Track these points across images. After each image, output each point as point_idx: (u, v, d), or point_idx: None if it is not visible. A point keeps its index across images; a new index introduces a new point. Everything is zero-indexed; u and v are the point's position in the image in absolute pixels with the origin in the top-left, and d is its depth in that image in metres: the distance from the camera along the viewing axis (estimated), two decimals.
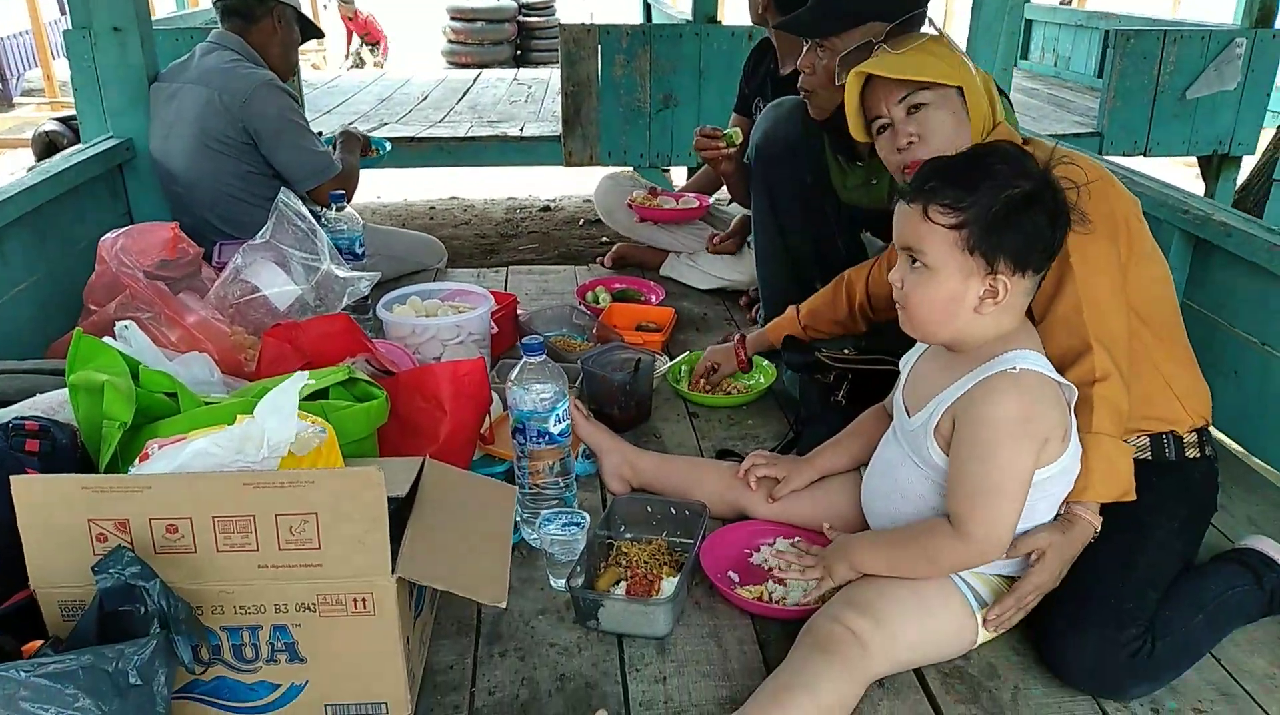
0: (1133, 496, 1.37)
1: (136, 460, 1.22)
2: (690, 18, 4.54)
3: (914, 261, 1.32)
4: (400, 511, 1.32)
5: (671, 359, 2.28)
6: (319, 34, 2.69)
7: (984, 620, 1.35)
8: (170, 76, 2.58)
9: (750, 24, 3.27)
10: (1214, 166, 4.87)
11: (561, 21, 4.28)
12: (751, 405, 2.15)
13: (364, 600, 1.18)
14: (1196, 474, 1.52)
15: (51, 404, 1.46)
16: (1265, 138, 5.03)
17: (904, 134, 1.52)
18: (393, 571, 1.18)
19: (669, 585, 1.46)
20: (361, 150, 2.78)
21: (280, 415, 1.24)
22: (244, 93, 2.42)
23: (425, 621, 1.39)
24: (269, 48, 2.55)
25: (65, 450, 1.35)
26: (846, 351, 1.92)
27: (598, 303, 2.64)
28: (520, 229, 5.61)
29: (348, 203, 2.45)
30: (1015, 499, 1.27)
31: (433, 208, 6.14)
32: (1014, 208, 1.25)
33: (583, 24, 4.27)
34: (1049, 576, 1.34)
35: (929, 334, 1.36)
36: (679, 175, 5.58)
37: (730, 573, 1.57)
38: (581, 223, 5.65)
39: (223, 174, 2.47)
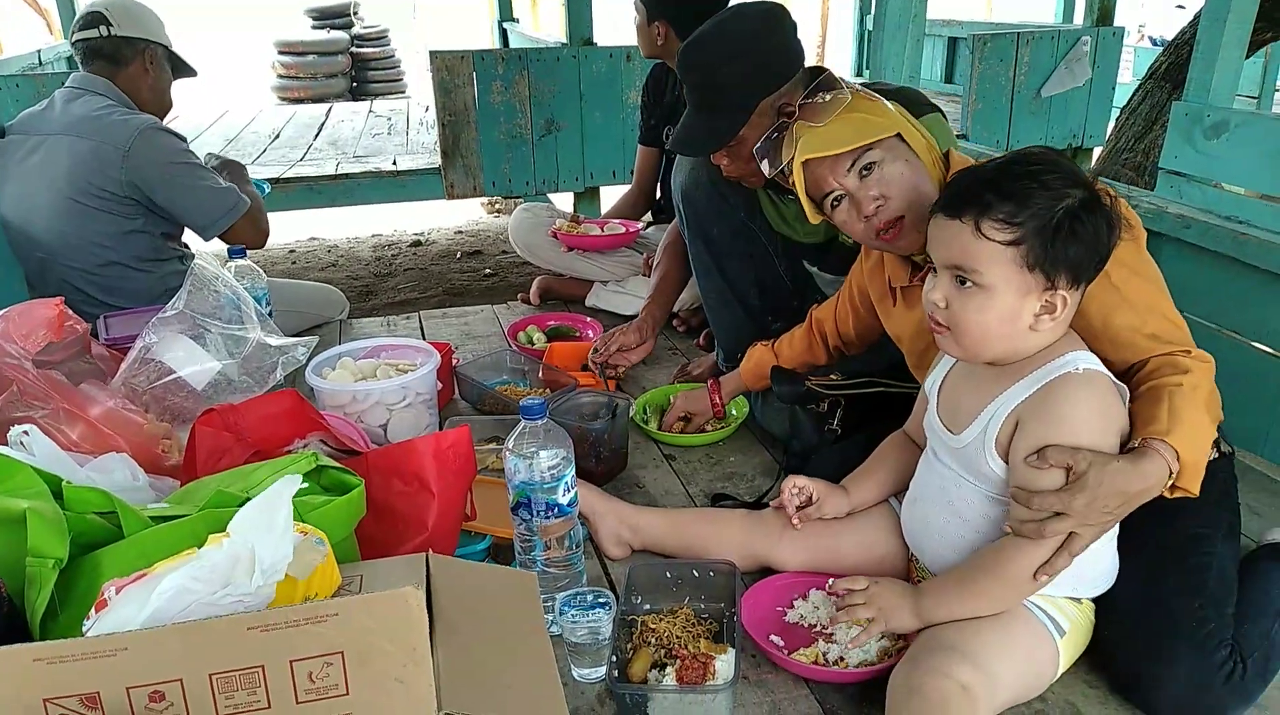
0: (1196, 490, 1.27)
1: (92, 611, 0.96)
2: (564, 40, 4.39)
3: (963, 281, 1.21)
4: None
5: (632, 399, 2.11)
6: (192, 73, 2.38)
7: (1034, 574, 1.21)
8: (24, 128, 2.22)
9: (628, 45, 3.14)
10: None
11: (431, 49, 4.04)
12: (729, 442, 2.01)
13: None
14: (1222, 474, 1.48)
15: None
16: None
17: (869, 200, 1.42)
18: (438, 710, 0.97)
19: (724, 665, 1.30)
20: None
21: (273, 531, 1.00)
22: (125, 141, 2.10)
23: None
24: (140, 91, 2.23)
25: None
26: (834, 376, 1.81)
27: (533, 343, 2.44)
28: (394, 267, 5.29)
29: (261, 245, 2.17)
30: None
31: (292, 251, 5.72)
32: (1074, 219, 1.17)
33: (455, 50, 4.05)
34: (1100, 504, 1.17)
35: (977, 354, 1.27)
36: (563, 202, 5.43)
37: (772, 637, 1.42)
38: (459, 256, 5.39)
39: (99, 235, 2.13)
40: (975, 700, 1.16)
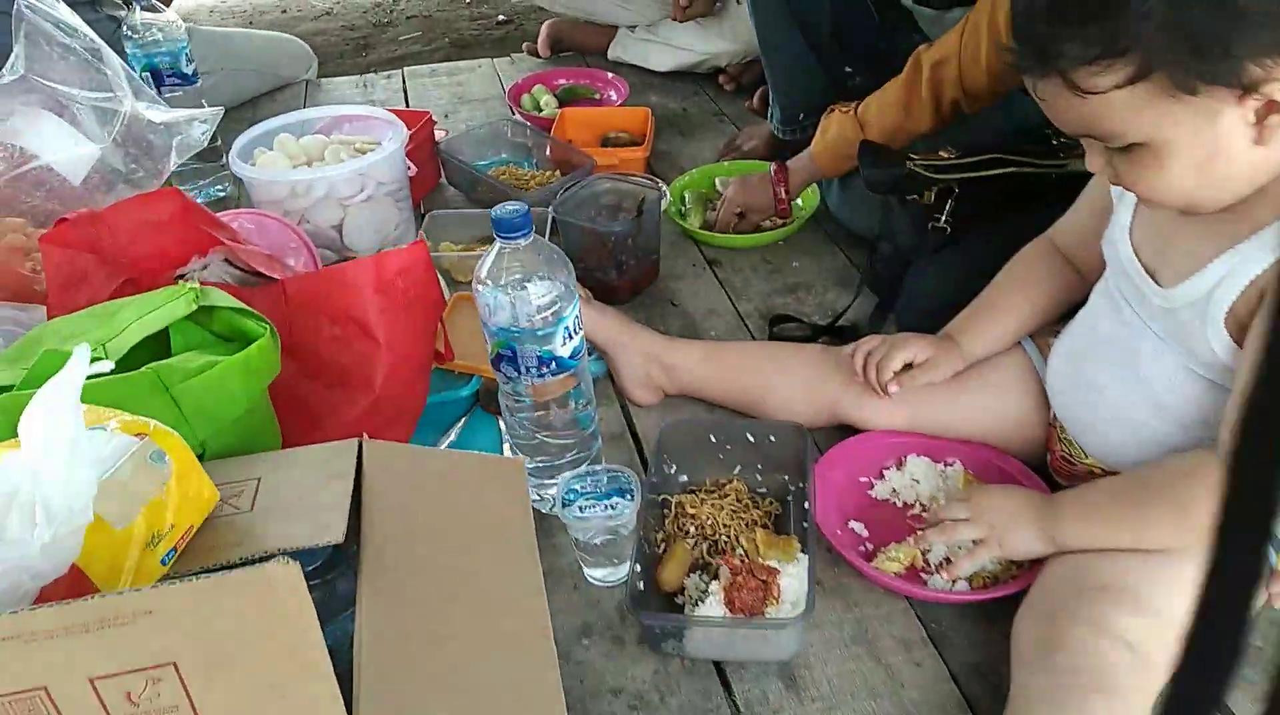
0: None
1: None
2: None
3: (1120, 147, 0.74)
4: (333, 561, 0.74)
5: (665, 184, 1.63)
6: None
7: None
8: None
9: None
10: None
11: None
12: (791, 242, 1.55)
13: None
14: None
15: None
16: None
17: None
18: None
19: (791, 581, 0.92)
20: None
21: (56, 447, 0.61)
22: None
23: None
24: None
25: None
26: (945, 153, 1.31)
27: (540, 110, 1.94)
28: (394, 15, 4.63)
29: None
30: None
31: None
32: None
33: None
34: None
35: (1197, 208, 0.80)
36: None
37: (852, 524, 1.04)
38: (469, 1, 4.69)
39: None
40: (1149, 667, 0.78)
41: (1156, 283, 0.86)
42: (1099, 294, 0.97)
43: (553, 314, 0.91)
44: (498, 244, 0.89)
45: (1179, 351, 0.86)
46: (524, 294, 0.90)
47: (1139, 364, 0.89)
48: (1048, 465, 1.05)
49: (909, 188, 1.30)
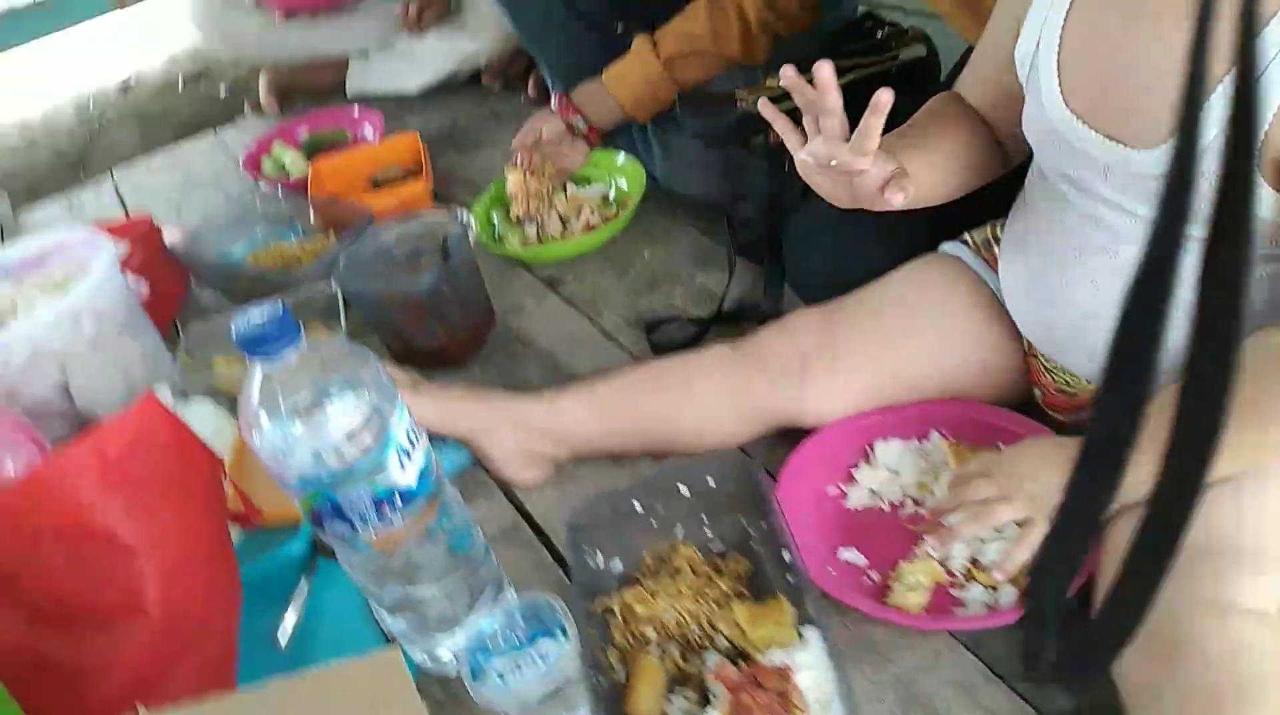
0: None
1: None
2: None
3: None
4: None
5: (465, 211, 1.35)
6: None
7: None
8: None
9: None
10: None
11: None
12: (632, 232, 1.29)
13: None
14: None
15: None
16: None
17: None
18: None
19: (811, 673, 0.66)
20: None
21: None
22: None
23: None
24: None
25: None
26: (772, 83, 1.09)
27: (287, 172, 1.61)
28: (105, 123, 4.10)
29: None
30: None
31: None
32: None
33: None
34: None
35: None
36: None
37: (842, 553, 0.81)
38: (182, 84, 4.21)
39: None
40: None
41: (1121, 144, 0.65)
42: (1034, 190, 0.76)
43: (372, 436, 0.62)
44: (256, 369, 0.60)
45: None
46: (320, 423, 0.61)
47: (1117, 249, 0.69)
48: (1041, 405, 0.85)
49: (747, 131, 1.07)
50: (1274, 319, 0.63)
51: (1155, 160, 0.63)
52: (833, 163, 0.68)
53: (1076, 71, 0.68)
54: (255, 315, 0.58)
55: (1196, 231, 0.23)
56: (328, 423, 0.61)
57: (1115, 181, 0.67)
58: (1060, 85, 0.69)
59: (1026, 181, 0.79)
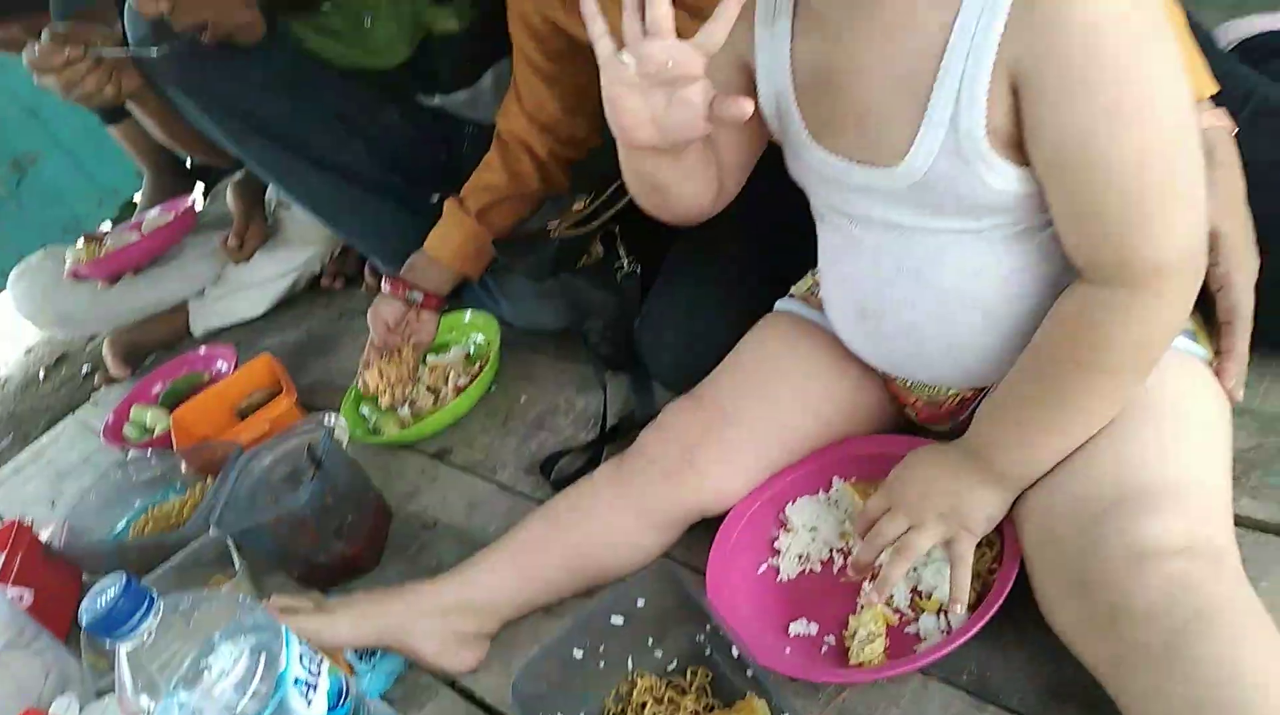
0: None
1: None
2: None
3: None
4: None
5: (334, 413, 1.32)
6: None
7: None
8: None
9: None
10: None
11: None
12: (503, 381, 1.29)
13: None
14: None
15: None
16: None
17: None
18: None
19: None
20: None
21: None
22: None
23: None
24: None
25: None
26: (579, 206, 1.12)
27: (149, 431, 1.57)
28: None
29: None
30: (1192, 154, 0.59)
31: None
32: None
33: None
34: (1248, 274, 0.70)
35: None
36: None
37: (793, 628, 0.79)
38: (43, 377, 4.10)
39: None
40: (1220, 559, 0.59)
41: (873, 165, 0.67)
42: (819, 220, 0.78)
43: (264, 682, 0.59)
44: (120, 653, 0.56)
45: (967, 224, 0.67)
46: (205, 685, 0.57)
47: (927, 278, 0.70)
48: (914, 422, 0.86)
49: (571, 257, 1.10)
50: (1049, 278, 0.66)
51: (906, 172, 0.65)
52: (669, 63, 0.60)
53: (816, 106, 0.70)
54: (99, 598, 0.54)
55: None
56: (214, 682, 0.57)
57: (883, 200, 0.69)
58: (805, 125, 0.71)
59: (816, 222, 0.80)
